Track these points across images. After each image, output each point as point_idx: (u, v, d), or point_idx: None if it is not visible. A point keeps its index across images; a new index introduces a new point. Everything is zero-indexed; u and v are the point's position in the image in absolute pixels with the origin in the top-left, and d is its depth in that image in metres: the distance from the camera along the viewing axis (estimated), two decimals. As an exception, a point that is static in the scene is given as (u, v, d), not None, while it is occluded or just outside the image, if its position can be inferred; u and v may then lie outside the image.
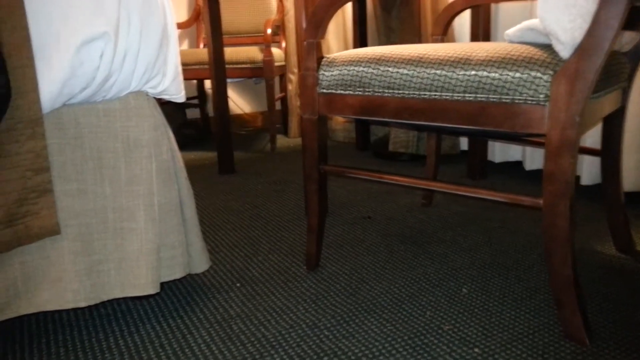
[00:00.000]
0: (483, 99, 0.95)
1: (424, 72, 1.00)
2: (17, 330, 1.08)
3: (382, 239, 1.48)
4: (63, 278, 0.98)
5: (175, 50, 1.10)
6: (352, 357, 0.95)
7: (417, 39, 2.24)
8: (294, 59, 2.88)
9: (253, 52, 2.56)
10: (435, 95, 1.00)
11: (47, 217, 0.94)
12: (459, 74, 0.97)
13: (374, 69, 1.06)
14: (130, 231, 1.02)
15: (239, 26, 3.01)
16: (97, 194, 1.01)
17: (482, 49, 0.99)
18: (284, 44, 2.94)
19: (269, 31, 2.59)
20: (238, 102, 3.28)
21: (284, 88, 3.02)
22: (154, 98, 1.09)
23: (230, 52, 2.56)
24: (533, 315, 1.06)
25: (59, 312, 1.14)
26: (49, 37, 0.91)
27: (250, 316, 1.10)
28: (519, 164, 2.11)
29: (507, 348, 0.96)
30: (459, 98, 0.98)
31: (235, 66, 2.58)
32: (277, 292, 1.19)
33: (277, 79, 3.10)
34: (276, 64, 2.63)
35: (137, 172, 1.03)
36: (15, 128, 0.91)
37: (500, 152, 2.06)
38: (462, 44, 1.11)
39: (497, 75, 0.93)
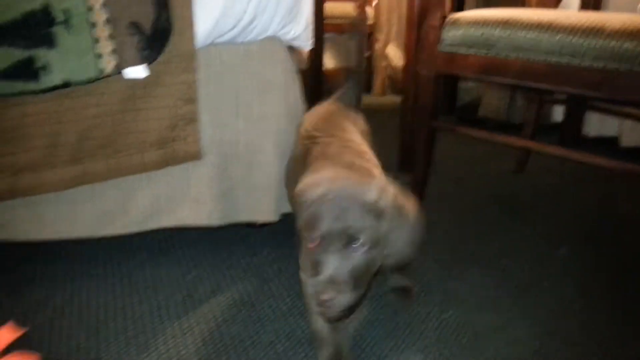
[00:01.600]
0: (614, 67, 0.97)
1: (555, 37, 1.03)
2: (156, 243, 1.21)
3: (477, 199, 1.52)
4: (200, 199, 1.09)
5: (308, 1, 1.16)
6: (461, 299, 1.02)
7: (520, 6, 2.20)
8: (383, 18, 2.89)
9: (348, 8, 2.59)
10: (563, 60, 1.02)
11: (193, 143, 1.05)
12: (590, 41, 0.99)
13: (501, 30, 1.09)
14: (259, 164, 1.12)
15: (333, -19, 3.02)
16: (233, 127, 1.11)
17: (617, 19, 1.00)
18: (374, 2, 2.94)
19: (366, -13, 2.60)
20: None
21: (369, 47, 3.03)
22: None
23: (326, 7, 2.60)
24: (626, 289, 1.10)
25: (187, 229, 1.25)
26: (208, -22, 0.99)
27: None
28: (613, 140, 2.07)
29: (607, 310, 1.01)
30: (587, 65, 1.00)
31: (329, 21, 2.61)
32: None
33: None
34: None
35: (267, 111, 1.12)
36: (172, 61, 1.00)
37: (595, 125, 2.03)
38: (590, 12, 1.12)
39: (631, 46, 0.95)
